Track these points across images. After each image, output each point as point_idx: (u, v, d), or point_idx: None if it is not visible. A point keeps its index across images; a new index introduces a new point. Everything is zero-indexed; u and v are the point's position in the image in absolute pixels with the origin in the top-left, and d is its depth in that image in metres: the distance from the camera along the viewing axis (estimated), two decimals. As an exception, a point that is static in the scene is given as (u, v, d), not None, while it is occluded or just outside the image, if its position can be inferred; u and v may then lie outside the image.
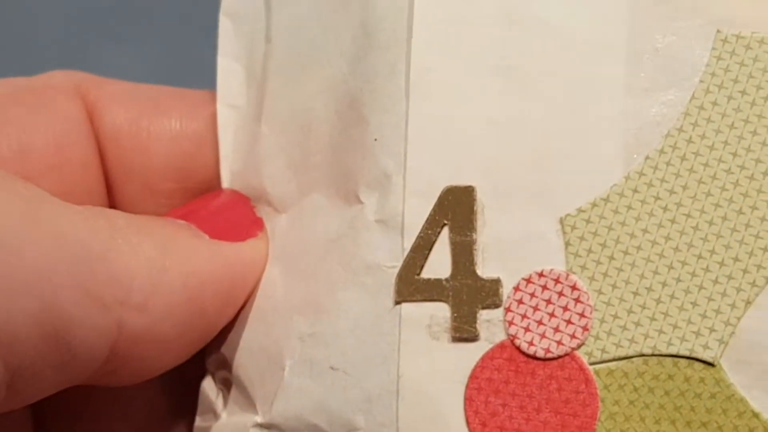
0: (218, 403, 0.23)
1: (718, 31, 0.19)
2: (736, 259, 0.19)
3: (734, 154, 0.19)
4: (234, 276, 0.21)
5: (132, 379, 0.21)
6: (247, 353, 0.22)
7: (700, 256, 0.19)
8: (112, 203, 0.24)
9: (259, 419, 0.21)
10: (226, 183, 0.23)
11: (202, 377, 0.23)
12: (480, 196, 0.20)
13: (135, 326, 0.20)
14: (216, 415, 0.23)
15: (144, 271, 0.20)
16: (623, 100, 0.19)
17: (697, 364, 0.19)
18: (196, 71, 0.30)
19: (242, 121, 0.23)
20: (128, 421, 0.24)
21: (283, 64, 0.23)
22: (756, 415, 0.18)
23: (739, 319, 0.19)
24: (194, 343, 0.22)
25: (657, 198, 0.19)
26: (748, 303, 0.19)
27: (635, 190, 0.19)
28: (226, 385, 0.23)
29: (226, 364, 0.22)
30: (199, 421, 0.23)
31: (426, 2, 0.20)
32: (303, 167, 0.22)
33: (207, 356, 0.23)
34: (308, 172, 0.22)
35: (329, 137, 0.22)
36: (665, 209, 0.19)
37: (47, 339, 0.19)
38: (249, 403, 0.22)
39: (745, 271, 0.19)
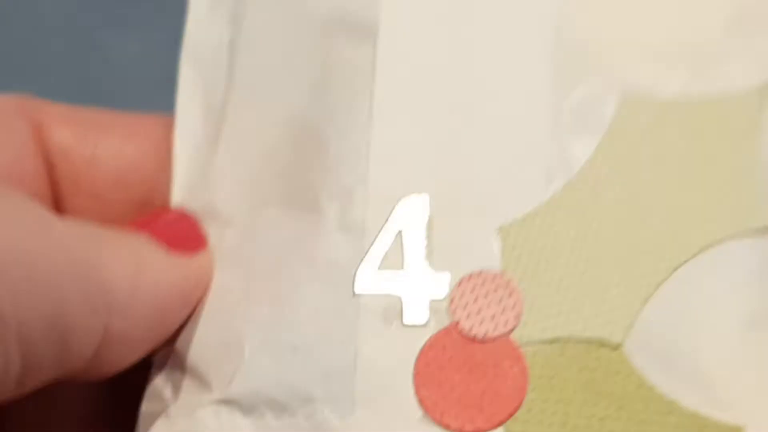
0: (166, 390, 0.25)
1: (624, 92, 0.24)
2: (635, 266, 0.24)
3: (631, 193, 0.24)
4: (188, 285, 0.24)
5: (100, 376, 0.24)
6: (204, 344, 0.25)
7: (608, 263, 0.24)
8: (62, 214, 0.26)
9: (216, 396, 0.24)
10: (176, 200, 0.26)
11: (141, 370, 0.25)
12: (432, 207, 0.24)
13: (116, 330, 0.22)
14: (163, 400, 0.25)
15: (125, 282, 0.23)
16: (548, 139, 0.24)
17: (605, 348, 0.23)
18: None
19: (197, 148, 0.26)
20: (66, 421, 0.26)
21: (243, 100, 0.26)
22: (651, 388, 0.23)
23: (638, 312, 0.23)
24: (154, 344, 0.24)
25: (573, 216, 0.24)
26: (645, 300, 0.23)
27: (557, 209, 0.24)
28: (177, 374, 0.25)
29: (177, 357, 0.25)
30: (145, 407, 0.25)
31: (386, 54, 0.25)
32: (257, 187, 0.25)
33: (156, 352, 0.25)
34: (262, 191, 0.25)
35: (287, 162, 0.25)
36: (578, 226, 0.24)
37: (54, 340, 0.21)
38: (203, 385, 0.24)
39: (642, 276, 0.23)
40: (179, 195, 0.26)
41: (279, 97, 0.26)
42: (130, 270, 0.23)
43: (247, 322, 0.24)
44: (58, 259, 0.21)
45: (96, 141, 0.27)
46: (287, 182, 0.25)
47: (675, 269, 0.24)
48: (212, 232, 0.26)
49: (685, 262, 0.24)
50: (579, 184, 0.24)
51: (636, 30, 0.25)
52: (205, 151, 0.26)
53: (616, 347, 0.23)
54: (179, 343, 0.25)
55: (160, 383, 0.25)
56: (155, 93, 0.31)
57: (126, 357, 0.24)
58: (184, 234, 0.25)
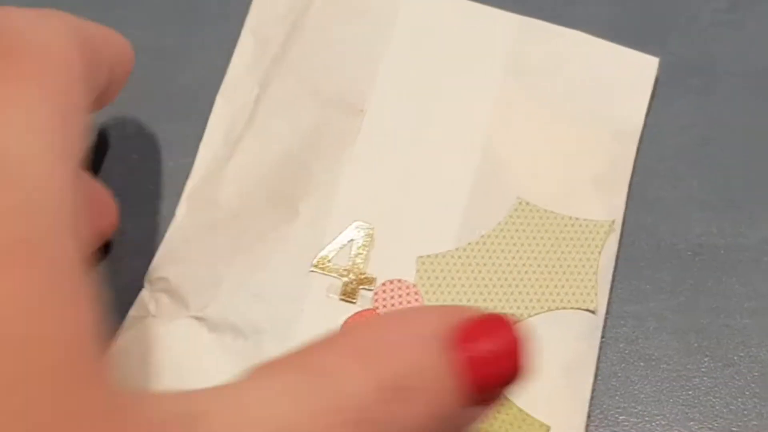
0: (151, 304, 0.33)
1: (519, 198, 0.36)
2: (503, 308, 0.34)
3: (511, 261, 0.35)
4: None
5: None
6: (191, 278, 0.33)
7: (485, 302, 0.34)
8: None
9: (191, 313, 0.33)
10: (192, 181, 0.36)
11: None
12: (375, 232, 0.34)
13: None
14: (148, 310, 0.33)
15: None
16: (463, 213, 0.35)
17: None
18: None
19: (215, 155, 0.36)
20: None
21: (255, 135, 0.36)
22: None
23: (498, 335, 0.33)
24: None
25: (467, 264, 0.34)
26: (505, 329, 0.33)
27: (458, 258, 0.34)
28: (163, 294, 0.34)
29: (167, 282, 0.34)
30: (132, 312, 0.33)
31: (369, 127, 0.36)
32: (252, 191, 0.35)
33: (151, 271, 0.34)
34: (254, 193, 0.35)
35: (276, 180, 0.35)
36: (471, 272, 0.34)
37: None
38: (183, 305, 0.33)
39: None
40: (195, 179, 0.36)
41: (282, 138, 0.36)
42: None
43: (229, 271, 0.33)
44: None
45: None
46: (275, 192, 0.35)
47: (530, 317, 0.34)
48: (208, 212, 0.35)
49: (537, 314, 0.34)
50: (477, 246, 0.35)
51: (534, 163, 0.37)
52: (220, 160, 0.36)
53: (479, 354, 0.33)
54: (171, 274, 0.34)
55: (146, 297, 0.34)
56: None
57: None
58: None
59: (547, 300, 0.34)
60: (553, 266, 0.35)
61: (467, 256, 0.35)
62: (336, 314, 0.33)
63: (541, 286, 0.35)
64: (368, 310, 0.33)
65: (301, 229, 0.34)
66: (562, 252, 0.35)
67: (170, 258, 0.34)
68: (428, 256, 0.34)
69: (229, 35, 0.38)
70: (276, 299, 0.33)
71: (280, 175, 0.35)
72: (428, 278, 0.34)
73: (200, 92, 0.37)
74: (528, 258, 0.35)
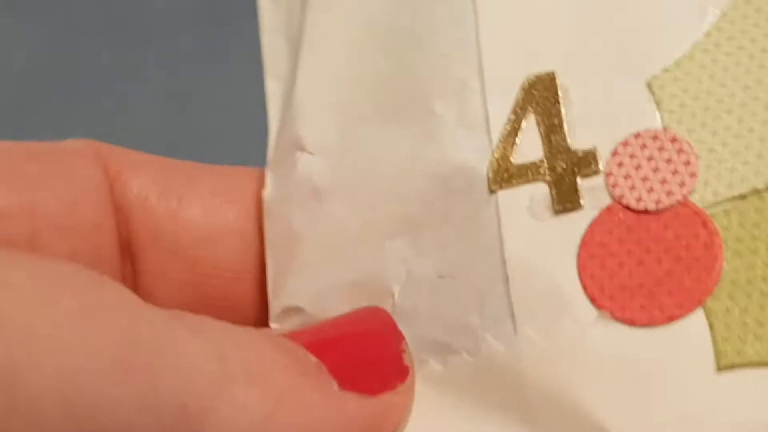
0: None
1: None
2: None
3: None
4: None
5: None
6: (333, 292, 0.21)
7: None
8: (136, 268, 0.23)
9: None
10: (271, 149, 0.23)
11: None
12: (562, 79, 0.20)
13: None
14: None
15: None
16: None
17: (813, 188, 0.18)
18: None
19: (286, 87, 0.23)
20: None
21: (317, 18, 0.23)
22: None
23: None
24: None
25: (741, 48, 0.19)
26: None
27: (717, 45, 0.19)
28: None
29: (298, 309, 0.21)
30: None
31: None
32: (347, 106, 0.22)
33: (273, 305, 0.21)
34: (354, 109, 0.21)
35: (378, 72, 0.21)
36: (751, 57, 0.19)
37: None
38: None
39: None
40: (273, 142, 0.23)
41: (354, 5, 0.22)
42: (254, 419, 0.17)
43: (384, 258, 0.20)
44: (136, 404, 0.16)
45: (181, 193, 0.23)
46: (385, 93, 0.21)
47: None
48: (300, 161, 0.22)
49: None
50: (739, 11, 0.20)
51: None
52: (288, 81, 0.23)
53: (827, 185, 0.18)
54: (305, 299, 0.21)
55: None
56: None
57: None
58: (377, 365, 0.19)
59: None
60: None
61: (730, 40, 0.19)
62: (561, 240, 0.19)
63: None
64: (608, 208, 0.19)
65: (453, 136, 0.20)
66: None
67: (291, 278, 0.22)
68: (663, 73, 0.19)
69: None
70: (464, 264, 0.20)
71: (378, 64, 0.22)
72: (682, 108, 0.19)
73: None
74: None
